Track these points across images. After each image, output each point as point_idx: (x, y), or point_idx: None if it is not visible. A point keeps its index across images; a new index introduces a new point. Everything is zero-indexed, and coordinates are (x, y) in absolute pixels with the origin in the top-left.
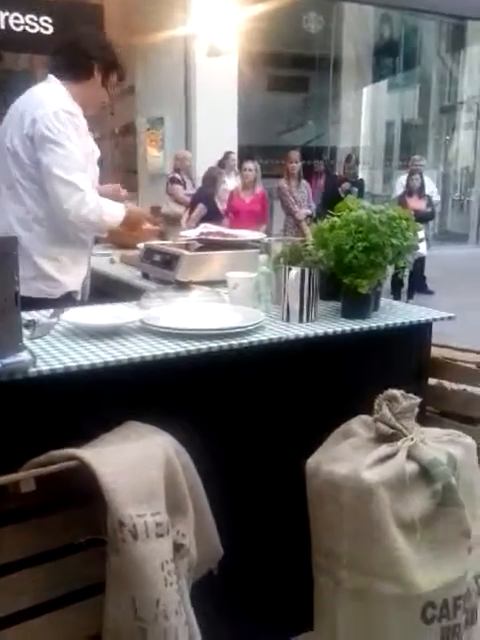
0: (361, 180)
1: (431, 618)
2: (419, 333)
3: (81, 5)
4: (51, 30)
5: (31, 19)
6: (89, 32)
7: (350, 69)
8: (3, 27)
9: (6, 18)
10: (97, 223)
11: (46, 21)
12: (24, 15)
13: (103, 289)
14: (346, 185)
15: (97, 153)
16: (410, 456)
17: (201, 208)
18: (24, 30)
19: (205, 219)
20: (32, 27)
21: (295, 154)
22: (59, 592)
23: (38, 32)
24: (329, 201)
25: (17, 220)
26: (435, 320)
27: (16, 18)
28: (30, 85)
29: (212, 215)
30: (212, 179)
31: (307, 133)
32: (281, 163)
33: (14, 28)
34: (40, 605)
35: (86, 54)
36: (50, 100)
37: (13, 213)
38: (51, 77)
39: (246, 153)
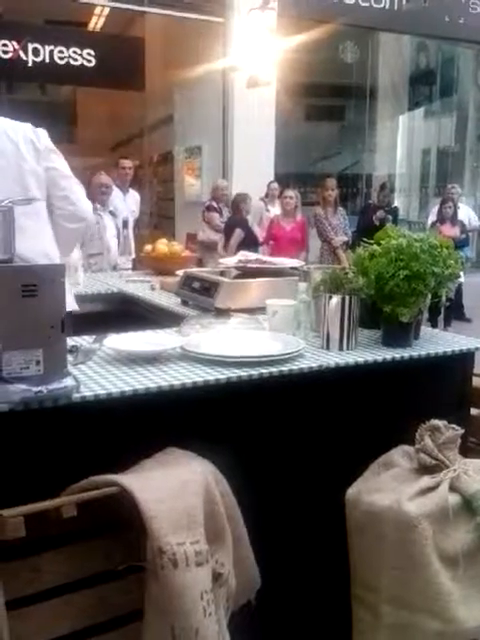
0: (395, 208)
1: None
2: (461, 362)
3: (123, 38)
4: (94, 63)
5: (74, 52)
6: None
7: (386, 97)
8: (48, 60)
9: (51, 51)
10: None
11: (89, 54)
12: (68, 48)
13: (143, 315)
14: (381, 213)
15: None
16: (453, 488)
17: (239, 233)
18: (68, 63)
19: (242, 244)
20: (75, 60)
21: (331, 182)
22: (98, 619)
23: (81, 65)
24: (364, 229)
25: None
26: (478, 349)
27: (60, 51)
28: (70, 116)
29: (248, 240)
30: (236, 205)
31: (343, 161)
32: (317, 191)
33: (58, 61)
34: (79, 631)
35: None
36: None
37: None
38: None
39: (283, 181)
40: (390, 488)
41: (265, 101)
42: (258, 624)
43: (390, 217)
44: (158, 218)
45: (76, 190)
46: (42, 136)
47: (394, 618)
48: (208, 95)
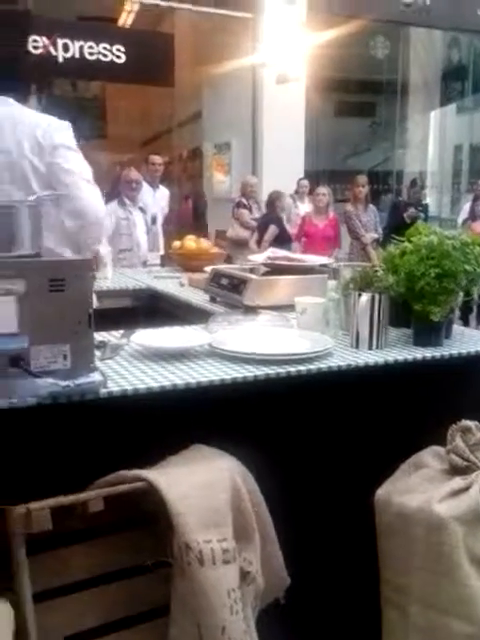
0: (425, 205)
1: None
2: None
3: (153, 34)
4: (124, 59)
5: (104, 48)
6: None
7: (417, 93)
8: (78, 56)
9: (81, 47)
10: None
11: (119, 50)
12: (98, 44)
13: (171, 312)
14: (412, 211)
15: None
16: None
17: (273, 229)
18: (97, 59)
19: (275, 241)
20: (105, 56)
21: (362, 178)
22: (124, 613)
23: (111, 60)
24: (394, 226)
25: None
26: None
27: (90, 47)
28: (100, 111)
29: (281, 238)
30: (271, 203)
31: (374, 157)
32: (348, 188)
33: (88, 57)
34: (105, 625)
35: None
36: (39, 115)
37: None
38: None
39: (313, 178)
40: (420, 489)
41: (295, 97)
42: (287, 623)
43: (422, 214)
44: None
45: (82, 186)
46: (54, 132)
47: (423, 620)
48: (237, 91)
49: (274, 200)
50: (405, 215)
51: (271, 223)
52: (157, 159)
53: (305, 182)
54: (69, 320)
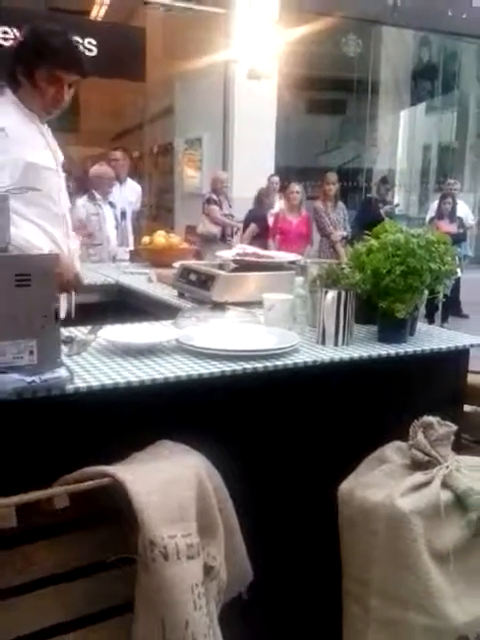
0: (396, 205)
1: None
2: (456, 359)
3: (124, 28)
4: (95, 52)
5: (76, 40)
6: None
7: (388, 92)
8: None
9: None
10: None
11: (90, 43)
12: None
13: (140, 307)
14: (389, 207)
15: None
16: (445, 484)
17: (253, 228)
18: None
19: (256, 239)
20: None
21: (332, 176)
22: (89, 609)
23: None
24: (367, 223)
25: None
26: (473, 346)
27: None
28: (71, 105)
29: (263, 236)
30: (259, 199)
31: (344, 155)
32: (318, 185)
33: None
34: (70, 622)
35: (11, 60)
36: None
37: None
38: (7, 91)
39: (283, 175)
40: (382, 484)
41: (266, 93)
42: (249, 617)
43: (398, 208)
44: (157, 210)
45: None
46: None
47: (384, 612)
48: (209, 86)
49: (262, 197)
50: (382, 211)
51: (253, 221)
52: (118, 154)
53: (276, 179)
54: (35, 315)
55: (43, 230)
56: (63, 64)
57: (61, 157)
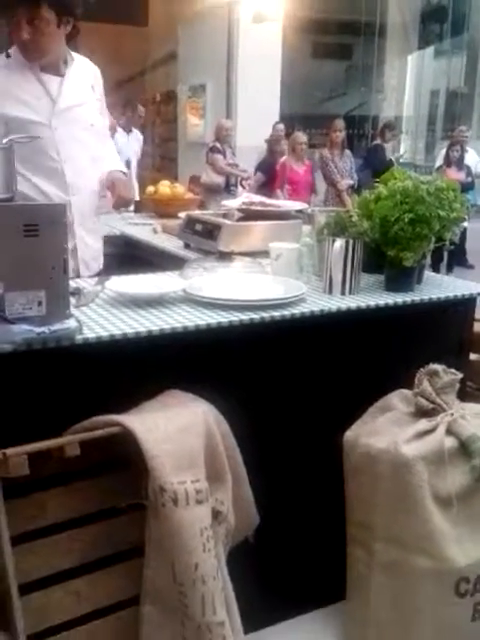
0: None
1: (464, 592)
2: (463, 308)
3: None
4: None
5: None
6: None
7: (395, 36)
8: None
9: None
10: None
11: None
12: None
13: (145, 258)
14: (396, 155)
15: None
16: (449, 431)
17: (259, 176)
18: None
19: (262, 188)
20: None
21: (340, 123)
22: (101, 554)
23: None
24: (376, 170)
25: None
26: (479, 294)
27: None
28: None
29: (271, 185)
30: (270, 148)
31: (350, 102)
32: (323, 132)
33: None
34: (82, 566)
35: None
36: None
37: None
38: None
39: (287, 122)
40: (387, 431)
41: (271, 37)
42: (256, 560)
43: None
44: (161, 160)
45: None
46: None
47: (387, 556)
48: (212, 31)
49: (273, 145)
50: (394, 157)
51: (262, 170)
52: (143, 109)
53: (281, 126)
54: (44, 266)
55: (33, 184)
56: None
57: (72, 102)
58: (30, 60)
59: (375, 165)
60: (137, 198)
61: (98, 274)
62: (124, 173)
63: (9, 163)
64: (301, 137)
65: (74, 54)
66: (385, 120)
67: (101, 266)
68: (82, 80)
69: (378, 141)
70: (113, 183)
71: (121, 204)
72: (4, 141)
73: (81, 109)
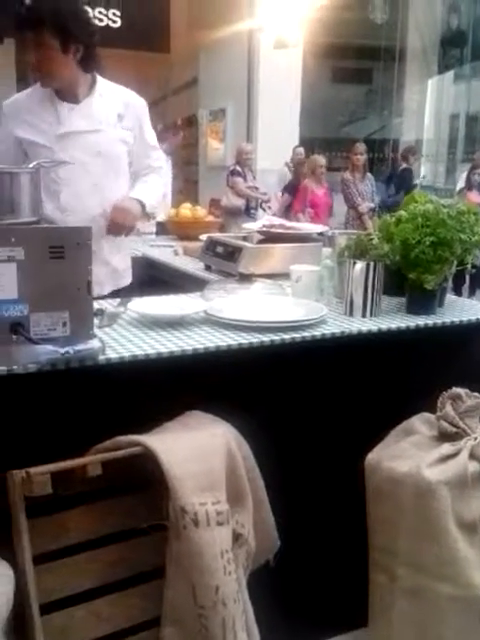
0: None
1: None
2: None
3: None
4: (119, 23)
5: (100, 12)
6: None
7: (415, 60)
8: None
9: None
10: None
11: (114, 14)
12: (94, 8)
13: (166, 280)
14: (420, 178)
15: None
16: (473, 456)
17: (287, 198)
18: None
19: (289, 209)
20: (100, 20)
21: (361, 146)
22: (121, 575)
23: (106, 25)
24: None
25: None
26: None
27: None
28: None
29: (290, 207)
30: (296, 171)
31: (369, 125)
32: (342, 156)
33: None
34: (103, 586)
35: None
36: None
37: None
38: None
39: (307, 146)
40: (410, 455)
41: (291, 62)
42: (277, 584)
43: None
44: (182, 182)
45: None
46: None
47: (410, 582)
48: (233, 57)
49: (298, 166)
50: (418, 181)
51: (286, 191)
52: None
53: (301, 150)
54: (68, 287)
55: None
56: (30, 26)
57: (78, 128)
58: (42, 85)
59: (406, 188)
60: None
61: (102, 297)
62: (140, 201)
63: (36, 187)
64: (320, 160)
65: (110, 84)
66: (406, 144)
67: (104, 292)
68: (103, 108)
69: (405, 165)
70: (112, 207)
71: (113, 230)
72: (31, 165)
73: (91, 136)
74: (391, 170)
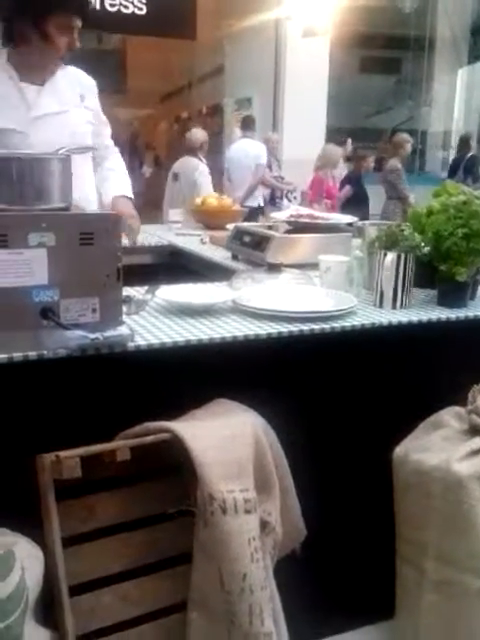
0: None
1: None
2: None
3: None
4: (145, 10)
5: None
6: None
7: (445, 50)
8: (98, 7)
9: None
10: None
11: (140, 1)
12: None
13: (192, 269)
14: None
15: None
16: None
17: (347, 189)
18: (119, 10)
19: (352, 200)
20: (126, 7)
21: (406, 136)
22: (149, 559)
23: (132, 12)
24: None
25: None
26: None
27: None
28: (119, 65)
29: (357, 198)
30: (357, 161)
31: (397, 116)
32: (370, 146)
33: (109, 8)
34: (130, 570)
35: (7, 18)
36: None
37: None
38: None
39: (334, 135)
40: (439, 448)
41: (318, 52)
42: (303, 573)
43: None
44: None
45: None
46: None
47: (439, 575)
48: (260, 45)
49: (359, 159)
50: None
51: (347, 183)
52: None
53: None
54: (98, 273)
55: None
56: (75, 10)
57: (50, 110)
58: (45, 72)
59: (475, 175)
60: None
61: None
62: (129, 197)
63: (66, 173)
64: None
65: (65, 65)
66: (434, 135)
67: None
68: (66, 89)
69: (471, 152)
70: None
71: (134, 237)
72: (61, 151)
73: (62, 117)
74: (456, 158)
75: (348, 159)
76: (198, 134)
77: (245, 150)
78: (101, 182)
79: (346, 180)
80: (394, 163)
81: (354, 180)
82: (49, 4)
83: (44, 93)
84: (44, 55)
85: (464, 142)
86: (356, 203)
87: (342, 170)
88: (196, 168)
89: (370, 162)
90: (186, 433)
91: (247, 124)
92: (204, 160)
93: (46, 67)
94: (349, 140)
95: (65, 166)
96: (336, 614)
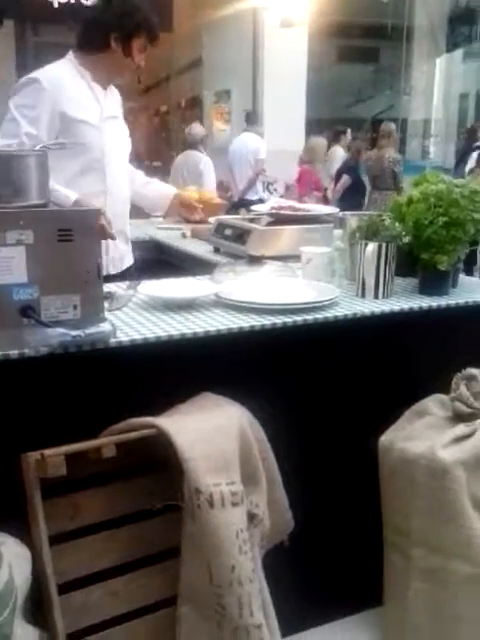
0: None
1: None
2: None
3: None
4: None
5: None
6: (108, 2)
7: (423, 39)
8: (74, 0)
9: None
10: None
11: None
12: None
13: (174, 263)
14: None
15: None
16: None
17: (345, 179)
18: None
19: (350, 190)
20: None
21: (392, 125)
22: (137, 554)
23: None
24: None
25: None
26: None
27: None
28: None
29: (355, 187)
30: (355, 151)
31: (377, 105)
32: (353, 136)
33: (84, 1)
34: (118, 566)
35: (99, 27)
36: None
37: None
38: (69, 53)
39: (313, 126)
40: (424, 436)
41: (297, 42)
42: (292, 564)
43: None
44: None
45: None
46: None
47: (425, 562)
48: (238, 36)
49: (356, 147)
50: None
51: (344, 173)
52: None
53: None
54: (78, 270)
55: (74, 182)
56: (153, 37)
57: (113, 113)
58: (107, 82)
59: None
60: None
61: (127, 270)
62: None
63: (43, 169)
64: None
65: None
66: (414, 123)
67: (127, 265)
68: (117, 98)
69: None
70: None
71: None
72: (37, 147)
73: (120, 122)
74: (465, 147)
75: (348, 149)
76: (198, 128)
77: (245, 144)
78: (144, 185)
79: (344, 170)
80: (393, 154)
81: (351, 170)
82: (140, 26)
83: (108, 96)
84: (121, 67)
85: (472, 132)
86: (354, 192)
87: (336, 162)
88: (200, 160)
89: (363, 152)
90: (171, 428)
91: (250, 118)
92: (205, 153)
93: (112, 78)
94: (348, 130)
95: (42, 162)
96: (325, 603)
